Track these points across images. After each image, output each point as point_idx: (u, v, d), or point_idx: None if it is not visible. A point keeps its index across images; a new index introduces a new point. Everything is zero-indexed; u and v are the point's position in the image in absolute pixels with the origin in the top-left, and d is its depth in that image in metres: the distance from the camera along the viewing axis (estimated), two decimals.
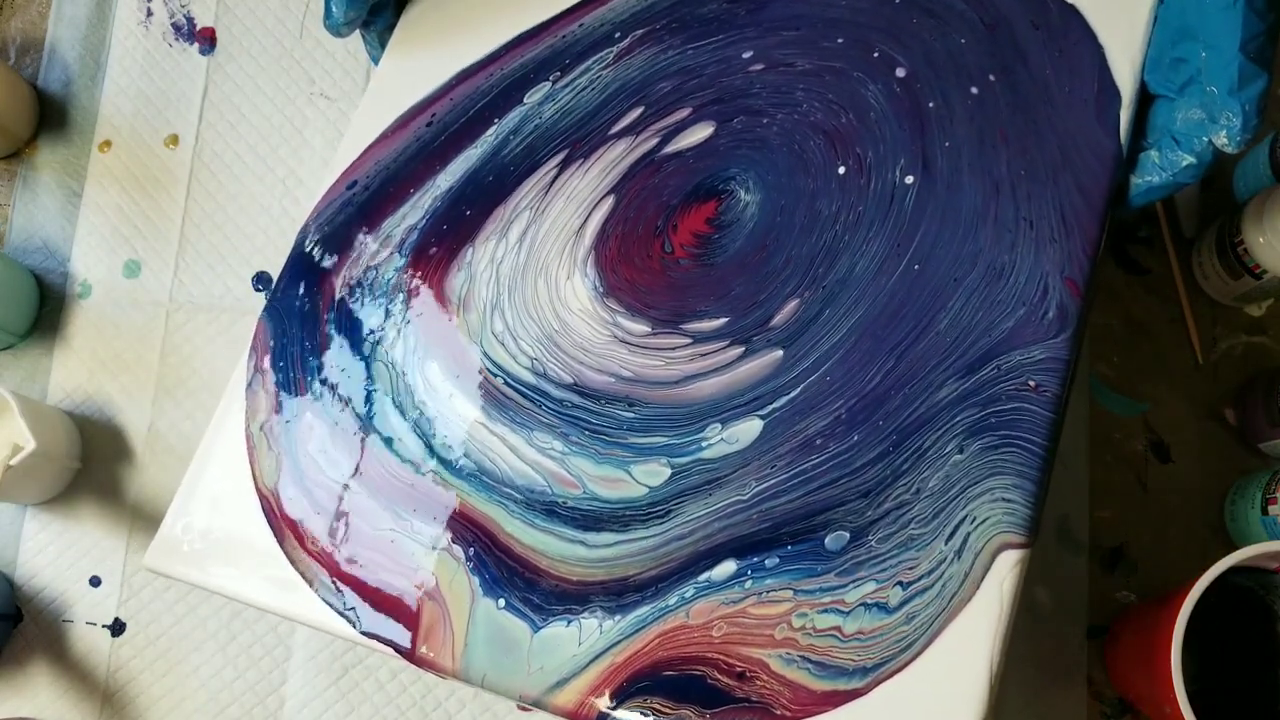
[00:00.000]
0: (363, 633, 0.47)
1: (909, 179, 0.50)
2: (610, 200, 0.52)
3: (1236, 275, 0.56)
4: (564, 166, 0.53)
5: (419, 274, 0.52)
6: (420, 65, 0.56)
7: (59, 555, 0.61)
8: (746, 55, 0.53)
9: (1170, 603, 0.46)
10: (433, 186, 0.54)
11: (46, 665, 0.59)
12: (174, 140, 0.66)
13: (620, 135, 0.53)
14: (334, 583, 0.48)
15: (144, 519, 0.61)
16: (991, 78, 0.50)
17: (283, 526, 0.49)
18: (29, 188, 0.66)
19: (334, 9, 0.51)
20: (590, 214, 0.52)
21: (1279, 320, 0.59)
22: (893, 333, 0.47)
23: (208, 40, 0.66)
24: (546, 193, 0.52)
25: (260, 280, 0.63)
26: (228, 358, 0.62)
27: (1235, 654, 0.53)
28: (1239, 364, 0.59)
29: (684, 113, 0.53)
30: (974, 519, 0.44)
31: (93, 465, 0.62)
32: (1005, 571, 0.43)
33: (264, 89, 0.66)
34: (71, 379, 0.63)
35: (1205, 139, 0.44)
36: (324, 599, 0.48)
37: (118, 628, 0.60)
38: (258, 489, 0.50)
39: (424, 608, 0.47)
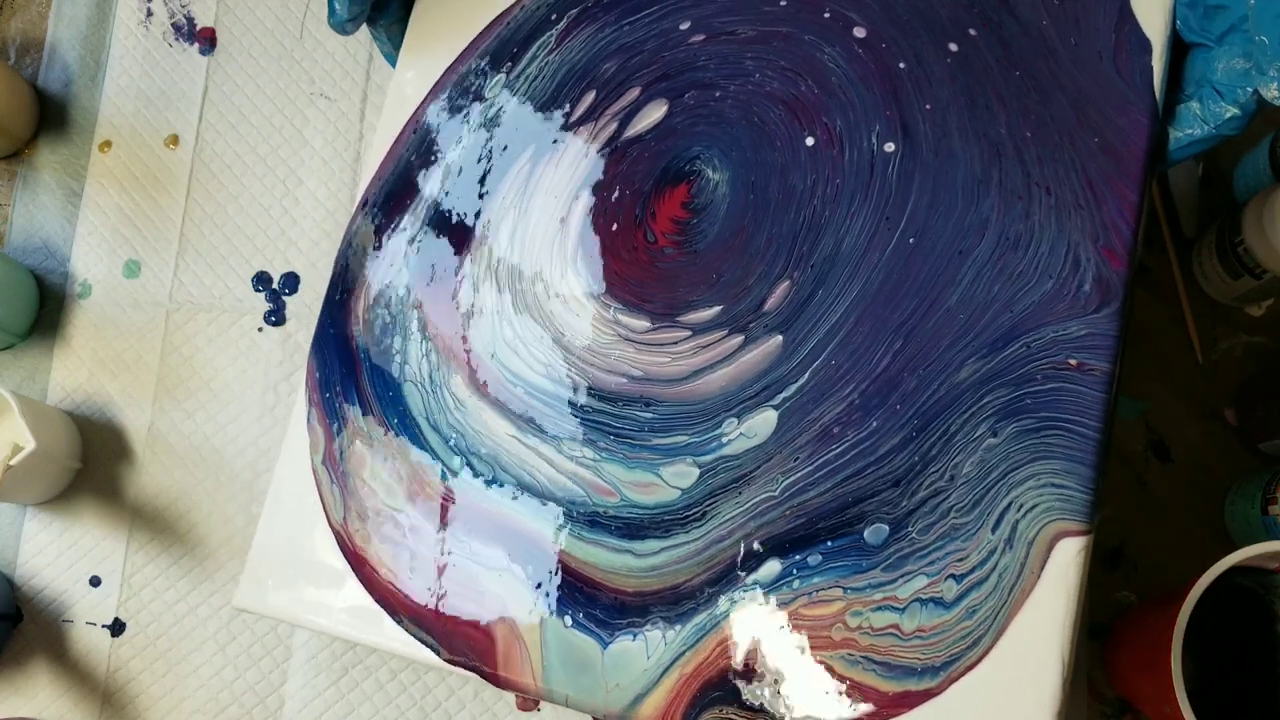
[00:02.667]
0: (447, 660, 0.47)
1: (889, 147, 0.47)
2: (586, 194, 0.51)
3: (1236, 275, 0.56)
4: (535, 162, 0.52)
5: (426, 289, 0.52)
6: (428, 66, 0.55)
7: (59, 555, 0.61)
8: (684, 27, 0.52)
9: (1170, 603, 0.46)
10: (422, 197, 0.53)
11: (46, 665, 0.59)
12: (174, 140, 0.66)
13: (580, 124, 0.52)
14: (411, 612, 0.48)
15: (144, 519, 0.61)
16: (972, 32, 0.47)
17: (357, 559, 0.49)
18: (29, 188, 0.66)
19: (336, 6, 0.51)
20: (570, 210, 0.51)
21: (1279, 320, 0.59)
22: (895, 311, 0.46)
23: (208, 40, 0.66)
24: (525, 190, 0.52)
25: (260, 280, 0.63)
26: (228, 358, 0.62)
27: (1235, 654, 0.53)
28: (1239, 364, 0.59)
29: (634, 93, 0.51)
30: (1021, 506, 0.42)
31: (93, 465, 0.62)
32: (1069, 560, 0.42)
33: (264, 89, 0.66)
34: (71, 379, 0.63)
35: (1250, 89, 0.42)
36: (405, 629, 0.48)
37: (118, 628, 0.60)
38: (330, 523, 0.50)
39: (497, 630, 0.47)
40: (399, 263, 0.53)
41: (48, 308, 0.64)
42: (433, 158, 0.54)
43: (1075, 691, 0.56)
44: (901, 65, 0.48)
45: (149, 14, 0.67)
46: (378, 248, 0.53)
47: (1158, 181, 0.61)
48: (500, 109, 0.53)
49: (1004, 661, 0.41)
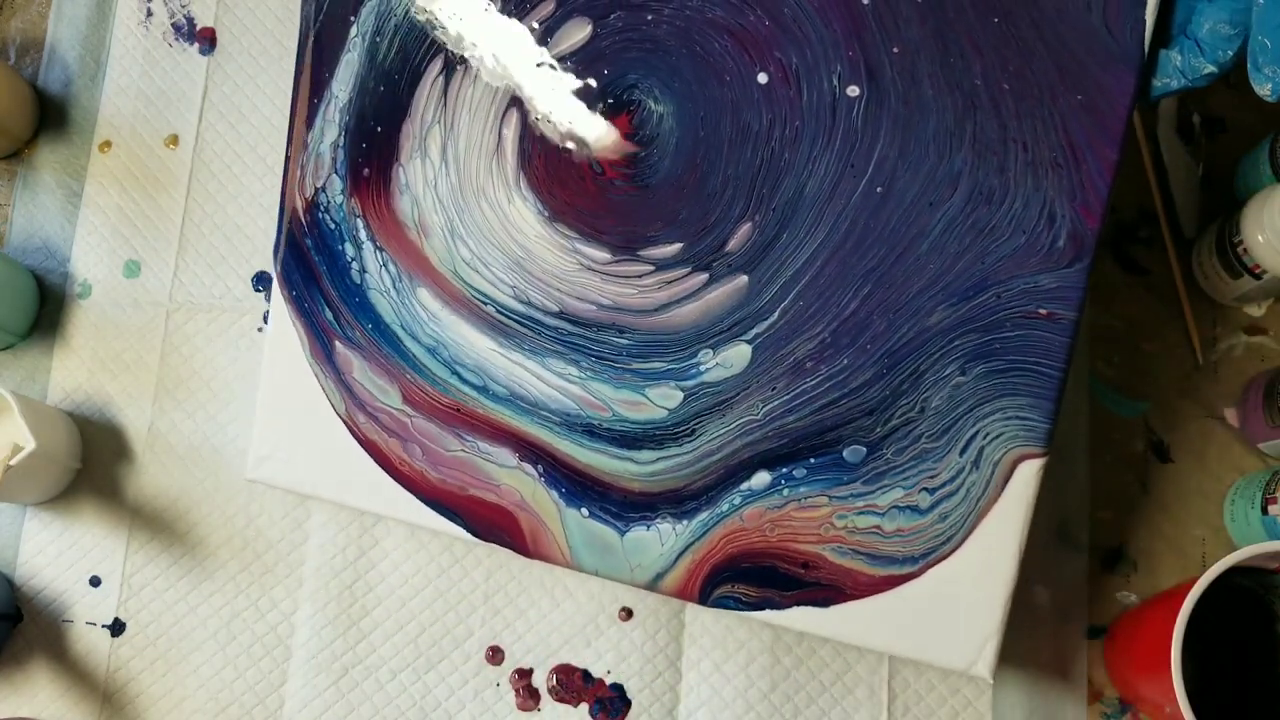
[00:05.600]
0: (479, 537, 0.50)
1: (852, 90, 0.46)
2: (515, 114, 0.49)
3: (1236, 275, 0.56)
4: (448, 73, 0.49)
5: (364, 198, 0.51)
6: None
7: (59, 555, 0.61)
8: None
9: (1170, 603, 0.46)
10: (331, 97, 0.51)
11: (46, 665, 0.59)
12: (174, 140, 0.65)
13: None
14: (433, 495, 0.51)
15: (144, 519, 0.61)
16: None
17: (370, 445, 0.51)
18: (29, 188, 0.66)
19: None
20: (501, 130, 0.49)
21: (1279, 320, 0.59)
22: (863, 258, 0.47)
23: (208, 40, 0.66)
24: (444, 103, 0.50)
25: (260, 280, 0.63)
26: (228, 358, 0.62)
27: (1235, 654, 0.53)
28: (1239, 364, 0.59)
29: (548, 7, 0.48)
30: (987, 434, 0.47)
31: (93, 465, 0.62)
32: (1028, 478, 0.47)
33: (264, 89, 0.66)
34: (71, 379, 0.63)
35: (1230, 53, 0.43)
36: (432, 509, 0.51)
37: (118, 628, 0.60)
38: (336, 414, 0.52)
39: (520, 517, 0.50)
40: (326, 166, 0.51)
41: (48, 308, 0.64)
42: (329, 55, 0.51)
43: (1075, 691, 0.56)
44: (865, 1, 0.46)
45: (149, 14, 0.67)
46: (304, 147, 0.52)
47: (1158, 181, 0.61)
48: (390, 11, 0.50)
49: (972, 555, 0.47)
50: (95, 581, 0.60)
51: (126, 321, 0.64)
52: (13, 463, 0.54)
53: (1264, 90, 0.43)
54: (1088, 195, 0.45)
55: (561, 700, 0.57)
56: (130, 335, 0.63)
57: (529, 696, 0.57)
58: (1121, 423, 0.59)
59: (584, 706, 0.57)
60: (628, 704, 0.57)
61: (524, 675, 0.58)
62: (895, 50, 0.46)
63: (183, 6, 0.67)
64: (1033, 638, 0.56)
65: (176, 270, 0.64)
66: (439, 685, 0.58)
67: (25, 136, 0.66)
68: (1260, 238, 0.53)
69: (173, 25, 0.67)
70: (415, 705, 0.58)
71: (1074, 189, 0.45)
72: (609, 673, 0.57)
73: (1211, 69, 0.44)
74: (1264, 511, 0.53)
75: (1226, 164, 0.61)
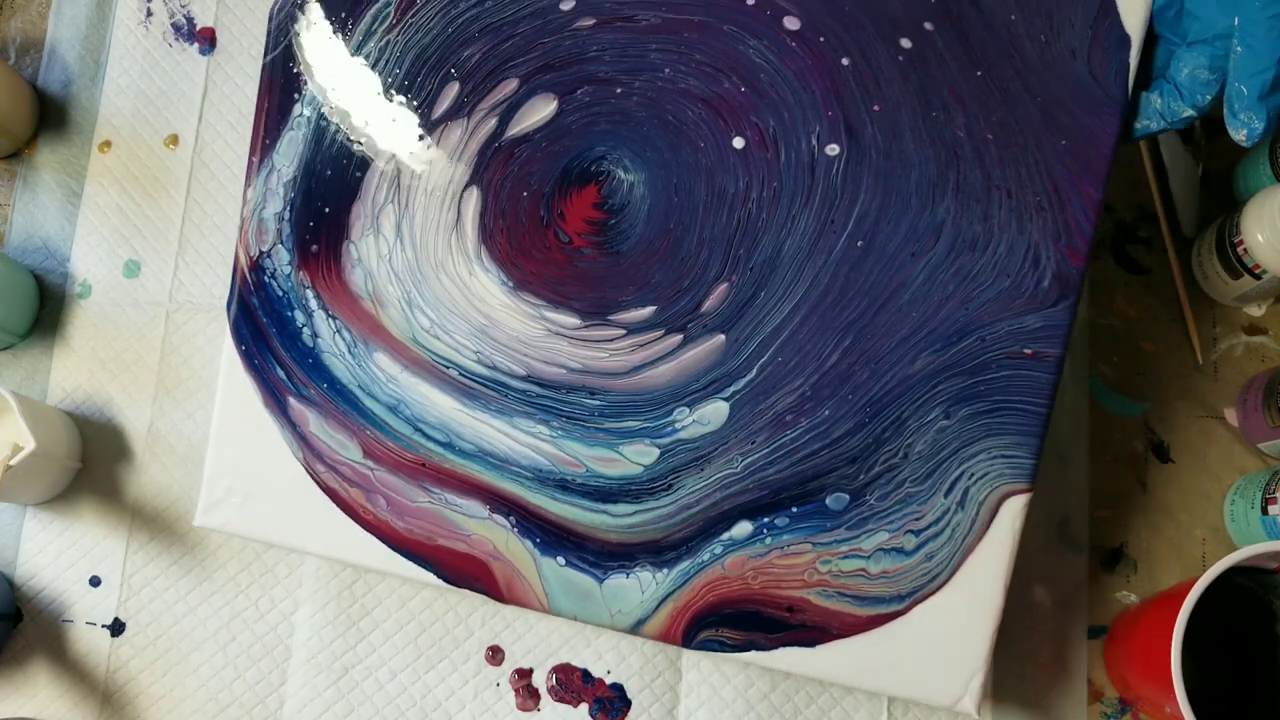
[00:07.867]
0: (450, 584, 0.49)
1: (831, 149, 0.45)
2: (475, 192, 0.48)
3: (1236, 275, 0.56)
4: (399, 159, 0.48)
5: (314, 272, 0.50)
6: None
7: (59, 555, 0.61)
8: (566, 7, 0.46)
9: (1170, 603, 0.46)
10: (272, 168, 0.49)
11: (46, 665, 0.59)
12: (174, 140, 0.65)
13: (448, 119, 0.48)
14: (401, 544, 0.49)
15: (144, 519, 0.61)
16: (928, 27, 0.45)
17: (332, 493, 0.49)
18: (29, 188, 0.66)
19: None
20: (460, 208, 0.48)
21: (1279, 320, 0.59)
22: (843, 311, 0.46)
23: (208, 40, 0.66)
24: (398, 184, 0.48)
25: None
26: None
27: (1235, 654, 0.53)
28: (1239, 364, 0.59)
29: (510, 85, 0.47)
30: (972, 474, 0.46)
31: (93, 465, 0.62)
32: (1014, 514, 0.46)
33: None
34: (71, 379, 0.63)
35: (1208, 98, 0.44)
36: (401, 555, 0.49)
37: (117, 628, 0.60)
38: (296, 459, 0.50)
39: (493, 566, 0.49)
40: (271, 235, 0.50)
41: (48, 308, 0.64)
42: (272, 128, 0.49)
43: (1075, 691, 0.56)
44: (845, 61, 0.45)
45: (149, 14, 0.67)
46: (246, 204, 0.50)
47: (1158, 181, 0.61)
48: (340, 97, 0.48)
49: (958, 592, 0.47)
50: (95, 581, 0.60)
51: (126, 321, 0.64)
52: (13, 463, 0.54)
53: (1239, 135, 0.43)
54: (1073, 235, 0.45)
55: (561, 700, 0.57)
56: (130, 335, 0.63)
57: (529, 696, 0.57)
58: (1121, 423, 0.59)
59: (584, 706, 0.57)
60: (628, 704, 0.57)
61: (524, 675, 0.58)
62: (876, 108, 0.45)
63: (183, 6, 0.67)
64: (1033, 638, 0.56)
65: (176, 270, 0.64)
66: (439, 685, 0.58)
67: (25, 136, 0.66)
68: (1260, 238, 0.53)
69: (173, 25, 0.67)
70: (415, 705, 0.58)
71: (1059, 230, 0.45)
72: (609, 673, 0.57)
73: (1190, 112, 0.44)
74: (1264, 511, 0.53)
75: (1226, 164, 0.61)
